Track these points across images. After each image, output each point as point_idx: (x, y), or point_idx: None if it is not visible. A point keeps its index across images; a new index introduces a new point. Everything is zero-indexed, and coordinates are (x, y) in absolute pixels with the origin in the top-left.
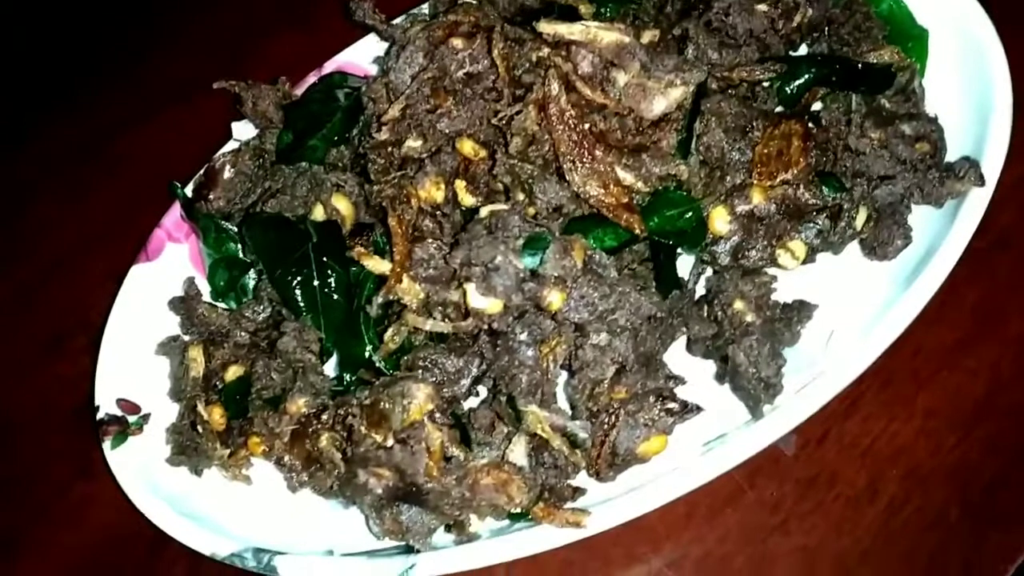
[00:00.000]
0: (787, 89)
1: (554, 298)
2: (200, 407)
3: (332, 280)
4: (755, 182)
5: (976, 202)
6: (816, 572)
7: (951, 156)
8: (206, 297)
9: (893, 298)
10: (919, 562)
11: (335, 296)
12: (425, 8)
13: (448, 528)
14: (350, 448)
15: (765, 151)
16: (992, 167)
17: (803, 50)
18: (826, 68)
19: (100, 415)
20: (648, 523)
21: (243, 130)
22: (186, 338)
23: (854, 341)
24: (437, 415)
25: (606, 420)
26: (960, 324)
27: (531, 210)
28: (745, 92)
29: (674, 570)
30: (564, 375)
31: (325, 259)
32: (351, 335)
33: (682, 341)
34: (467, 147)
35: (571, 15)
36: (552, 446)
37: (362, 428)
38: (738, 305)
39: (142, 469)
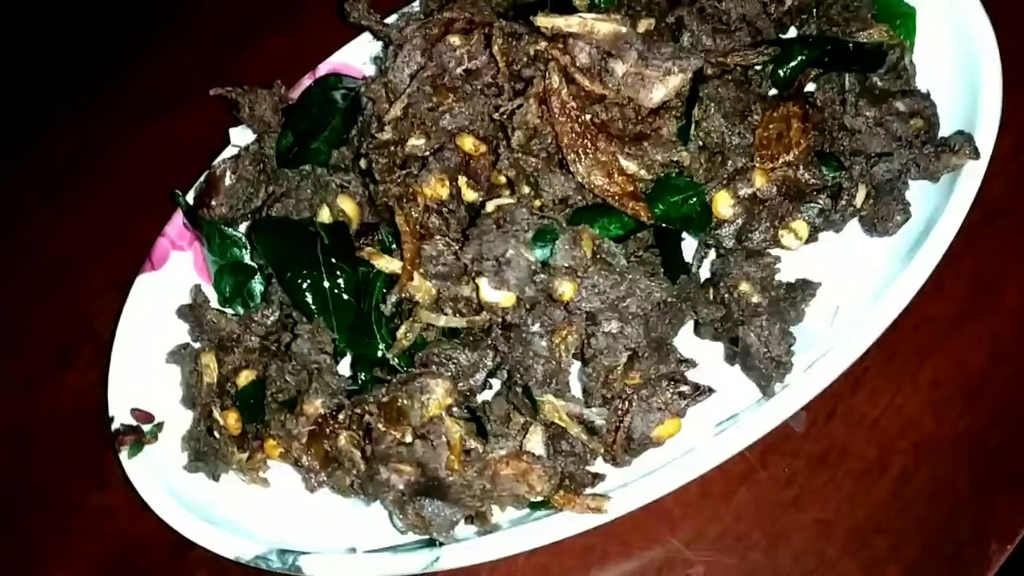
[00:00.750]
0: (780, 72)
1: (566, 288)
2: (216, 413)
3: (342, 281)
4: (757, 165)
5: (972, 175)
6: (832, 544)
7: (943, 131)
8: (213, 304)
9: (895, 273)
10: (932, 530)
11: (345, 297)
12: (416, 5)
13: (469, 519)
14: (369, 446)
15: (765, 134)
16: (985, 140)
17: (792, 32)
18: (818, 49)
19: (115, 426)
20: (664, 505)
21: (241, 136)
22: (196, 345)
23: (859, 316)
24: (455, 409)
25: (620, 406)
26: (959, 295)
27: (537, 202)
28: (739, 76)
29: (693, 549)
30: (575, 364)
31: (334, 260)
32: (363, 334)
33: (689, 325)
34: (468, 143)
35: (565, 7)
36: (570, 434)
37: (380, 425)
38: (744, 287)
39: (161, 477)
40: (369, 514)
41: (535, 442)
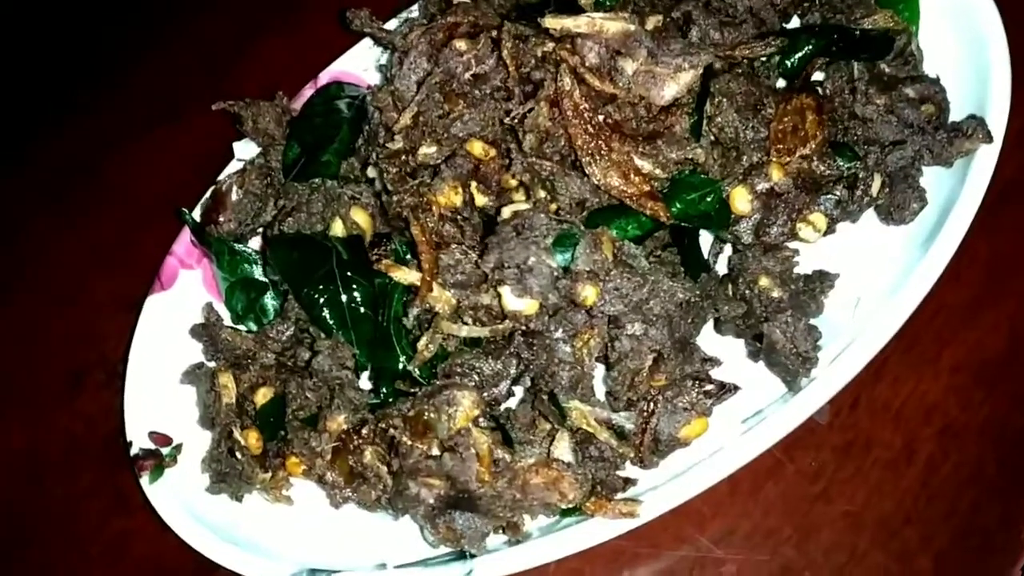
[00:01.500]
0: (787, 62)
1: (588, 293)
2: (236, 433)
3: (358, 294)
4: (773, 159)
5: (985, 159)
6: (861, 537)
7: (953, 115)
8: (226, 321)
9: (913, 260)
10: (960, 518)
11: (363, 310)
12: (415, 10)
13: (499, 529)
14: (395, 460)
15: (780, 127)
16: (996, 123)
17: (795, 22)
18: (825, 38)
19: (134, 451)
20: (692, 504)
21: (245, 149)
22: (210, 364)
23: (879, 306)
24: (481, 419)
25: (646, 408)
26: (976, 280)
27: (553, 206)
28: (746, 69)
29: (723, 547)
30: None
31: (349, 274)
32: (383, 348)
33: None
34: (477, 148)
35: (571, 7)
36: (598, 439)
37: (407, 439)
38: (763, 282)
39: (184, 501)
40: (396, 528)
41: (563, 449)
